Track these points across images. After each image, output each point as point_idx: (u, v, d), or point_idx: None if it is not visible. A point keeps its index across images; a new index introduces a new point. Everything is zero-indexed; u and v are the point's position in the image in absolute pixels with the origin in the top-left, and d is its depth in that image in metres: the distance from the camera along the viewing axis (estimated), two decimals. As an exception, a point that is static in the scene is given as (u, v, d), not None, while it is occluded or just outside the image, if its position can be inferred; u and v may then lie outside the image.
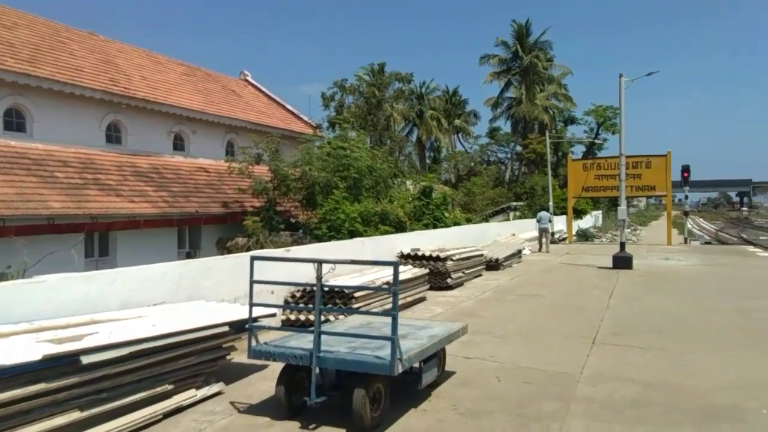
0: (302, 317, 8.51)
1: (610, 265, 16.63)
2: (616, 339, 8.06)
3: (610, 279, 14.30)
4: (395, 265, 4.97)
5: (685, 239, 32.34)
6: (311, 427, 4.91)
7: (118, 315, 5.86)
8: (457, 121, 52.96)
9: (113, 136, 17.68)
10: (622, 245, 17.30)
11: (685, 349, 7.50)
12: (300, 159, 18.83)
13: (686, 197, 35.26)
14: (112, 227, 14.46)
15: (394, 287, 4.90)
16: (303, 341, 5.33)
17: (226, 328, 5.91)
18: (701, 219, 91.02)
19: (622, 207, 17.31)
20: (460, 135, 54.72)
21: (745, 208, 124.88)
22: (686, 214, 36.98)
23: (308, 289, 8.54)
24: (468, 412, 5.24)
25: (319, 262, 5.16)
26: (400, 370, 4.85)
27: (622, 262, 16.46)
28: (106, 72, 18.12)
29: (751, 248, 28.41)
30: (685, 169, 30.98)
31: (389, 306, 7.38)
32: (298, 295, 8.98)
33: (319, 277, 5.14)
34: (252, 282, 5.39)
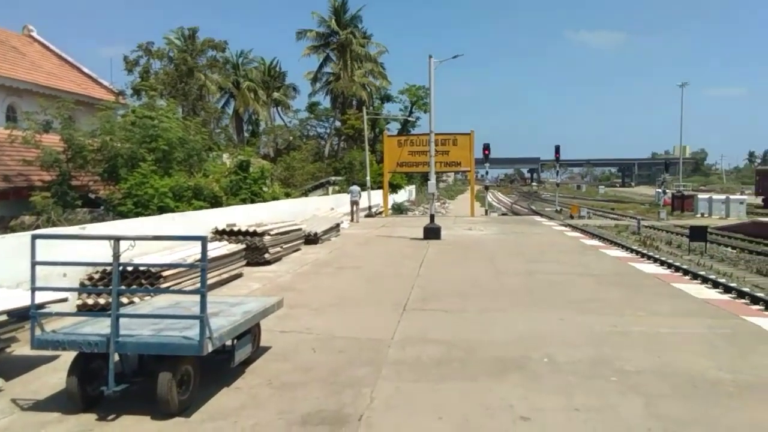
0: (102, 301, 7.75)
1: (422, 236, 17.69)
2: (424, 304, 8.60)
3: (421, 249, 15.21)
4: (203, 240, 4.70)
5: (486, 211, 35.60)
6: (110, 418, 4.50)
7: None
8: (276, 94, 52.03)
9: None
10: (432, 217, 18.48)
11: (483, 309, 8.25)
12: (99, 128, 17.00)
13: (487, 173, 38.82)
14: None
15: (202, 263, 4.64)
16: (100, 326, 4.84)
17: (3, 317, 5.15)
18: (500, 193, 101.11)
19: (432, 181, 18.44)
20: (279, 108, 53.87)
21: (534, 183, 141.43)
22: (487, 188, 40.75)
23: (108, 269, 7.80)
24: (283, 386, 5.21)
25: (116, 239, 4.70)
26: (210, 349, 4.64)
27: (432, 233, 17.60)
28: None
29: (538, 218, 32.25)
30: (486, 147, 34.06)
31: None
32: (96, 276, 8.15)
33: (116, 255, 4.68)
34: (34, 263, 4.74)
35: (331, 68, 49.81)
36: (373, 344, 6.52)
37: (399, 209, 36.19)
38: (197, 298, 4.67)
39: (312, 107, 52.81)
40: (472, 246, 16.22)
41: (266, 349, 6.24)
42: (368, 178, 30.84)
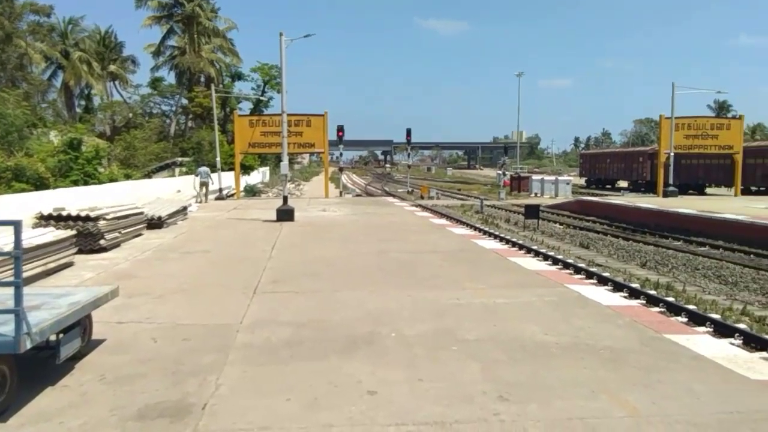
0: None
1: (275, 218, 17.40)
2: (275, 286, 8.46)
3: (274, 231, 14.95)
4: (15, 225, 4.16)
5: (341, 193, 35.97)
6: None
7: None
8: (112, 67, 47.86)
9: None
10: (285, 199, 18.24)
11: (334, 289, 8.30)
12: None
13: (341, 154, 39.15)
14: None
15: (15, 251, 4.12)
16: None
17: None
18: (354, 175, 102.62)
19: (285, 163, 18.16)
20: (117, 83, 49.72)
21: (388, 165, 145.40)
22: (341, 170, 41.12)
23: None
24: (117, 380, 4.82)
25: None
26: (29, 345, 4.15)
27: (285, 214, 17.38)
28: None
29: (390, 199, 33.22)
30: (340, 129, 34.22)
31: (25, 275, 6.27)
32: None
33: None
34: None
35: (176, 42, 46.91)
36: (220, 330, 6.28)
37: (252, 191, 35.34)
38: (12, 290, 4.15)
39: (155, 83, 49.46)
40: (326, 227, 16.28)
41: (100, 342, 5.75)
42: (218, 159, 29.62)
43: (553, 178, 43.01)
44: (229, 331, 6.21)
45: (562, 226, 23.04)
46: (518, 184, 44.01)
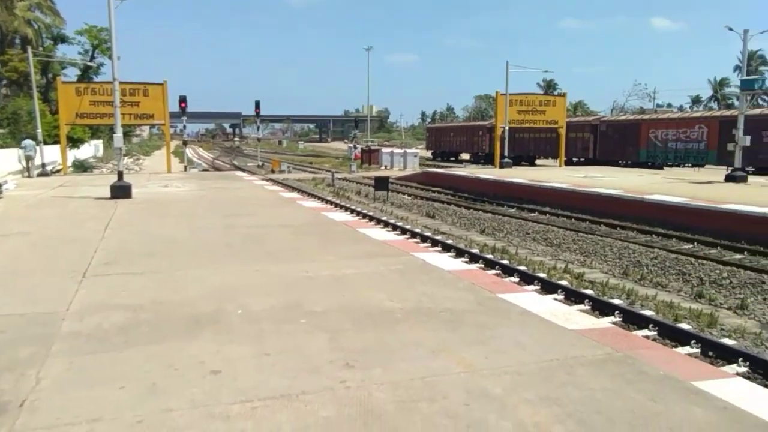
0: None
1: (109, 195, 16.05)
2: (109, 268, 7.80)
3: (108, 209, 13.78)
4: None
5: (185, 167, 34.14)
6: None
7: None
8: None
9: None
10: (120, 174, 16.87)
11: (176, 267, 7.86)
12: None
13: (185, 127, 36.98)
14: None
15: None
16: None
17: None
18: (201, 148, 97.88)
19: (118, 135, 16.72)
20: None
21: (237, 139, 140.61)
22: (185, 143, 38.93)
23: None
24: None
25: None
26: None
27: (121, 191, 16.08)
28: None
29: (240, 173, 32.21)
30: (183, 100, 32.27)
31: None
32: None
33: None
34: None
35: (-17, -4, 40.85)
36: (42, 318, 5.66)
37: (82, 167, 32.30)
38: None
39: (-42, 43, 42.82)
40: (168, 203, 15.36)
41: None
42: (39, 130, 26.48)
43: (402, 151, 44.44)
44: (53, 320, 5.61)
45: (410, 197, 23.96)
46: (369, 157, 44.92)
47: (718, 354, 6.96)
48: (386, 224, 15.58)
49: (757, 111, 31.47)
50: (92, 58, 45.06)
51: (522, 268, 10.86)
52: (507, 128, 33.43)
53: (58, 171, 27.46)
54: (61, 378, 4.31)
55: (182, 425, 3.60)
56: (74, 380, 4.28)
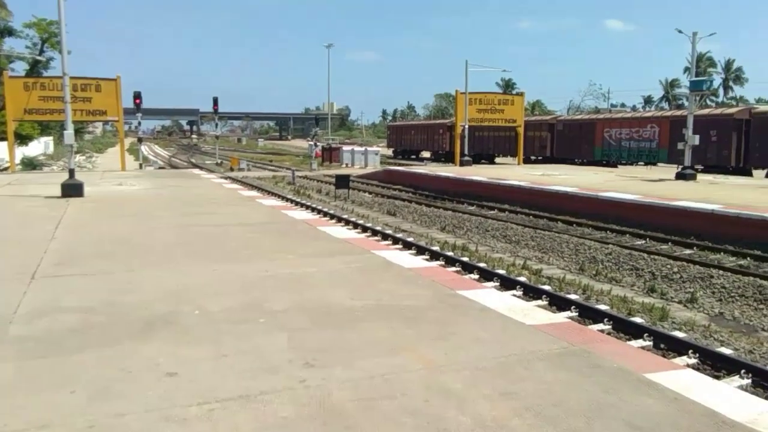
0: None
1: (60, 194, 15.53)
2: (60, 270, 7.54)
3: (59, 208, 13.33)
4: None
5: (141, 165, 33.31)
6: None
7: None
8: None
9: None
10: (72, 172, 16.33)
11: (130, 268, 7.65)
12: None
13: (139, 124, 36.13)
14: None
15: None
16: None
17: None
18: (157, 146, 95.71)
19: (69, 131, 16.16)
20: None
21: (194, 136, 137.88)
22: (140, 140, 37.97)
23: None
24: None
25: None
26: None
27: (72, 189, 15.58)
28: None
29: (197, 171, 31.62)
30: (137, 96, 31.47)
31: None
32: None
33: None
34: None
35: None
36: (-13, 323, 5.42)
37: (32, 164, 31.18)
38: None
39: None
40: (122, 202, 14.96)
41: None
42: (-14, 127, 25.52)
43: (363, 149, 44.41)
44: (-1, 324, 5.39)
45: (371, 195, 23.95)
46: (330, 155, 44.73)
47: (669, 346, 7.19)
48: (347, 222, 15.54)
49: (705, 111, 32.63)
50: (41, 52, 43.45)
51: (482, 265, 10.99)
52: (467, 126, 33.77)
53: (6, 169, 26.44)
54: (8, 384, 4.13)
55: (136, 430, 3.50)
56: (22, 386, 4.11)
